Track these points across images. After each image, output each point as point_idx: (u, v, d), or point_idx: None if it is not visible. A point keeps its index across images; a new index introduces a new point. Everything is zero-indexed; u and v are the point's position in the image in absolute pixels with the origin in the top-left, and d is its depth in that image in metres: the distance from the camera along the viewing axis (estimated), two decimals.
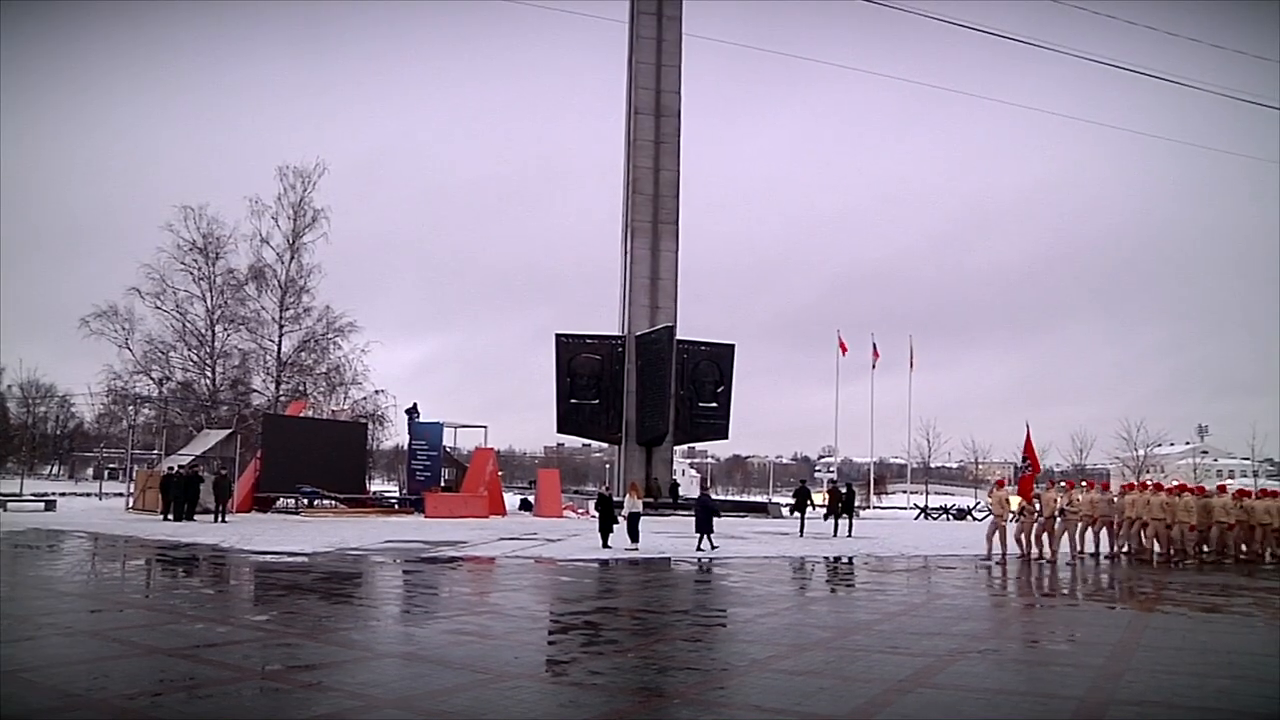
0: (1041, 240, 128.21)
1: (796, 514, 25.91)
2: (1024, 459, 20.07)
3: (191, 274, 38.83)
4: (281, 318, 39.72)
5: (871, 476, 48.39)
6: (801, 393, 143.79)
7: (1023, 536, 17.49)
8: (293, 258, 39.92)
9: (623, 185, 42.18)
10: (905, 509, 36.72)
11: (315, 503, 28.97)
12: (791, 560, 17.02)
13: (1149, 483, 19.93)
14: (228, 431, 30.47)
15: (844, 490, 25.75)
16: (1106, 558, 17.84)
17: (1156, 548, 17.73)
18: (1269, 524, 17.86)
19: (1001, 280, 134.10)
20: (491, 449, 34.37)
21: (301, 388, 40.27)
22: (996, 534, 17.44)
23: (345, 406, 39.38)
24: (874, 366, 44.11)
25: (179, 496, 23.28)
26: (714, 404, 40.42)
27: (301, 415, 33.19)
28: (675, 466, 46.52)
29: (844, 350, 41.39)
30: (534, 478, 43.28)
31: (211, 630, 8.41)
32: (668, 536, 22.07)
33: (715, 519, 18.82)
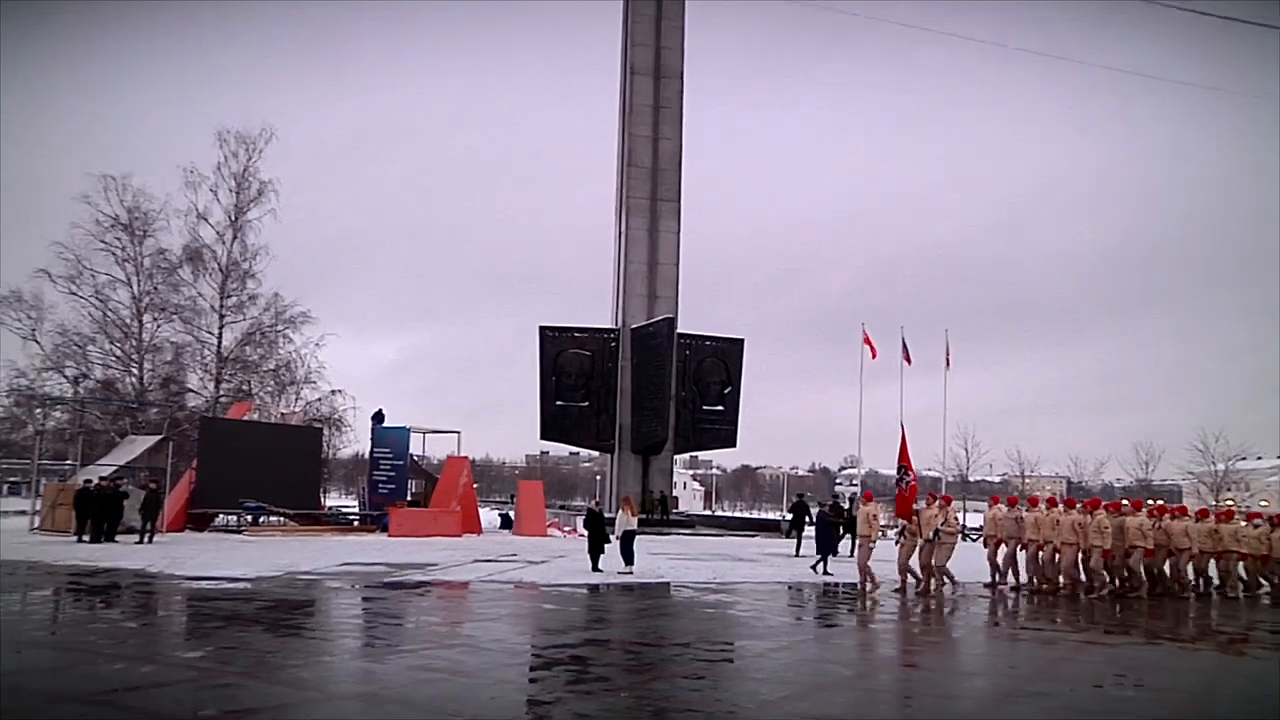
0: (1109, 226, 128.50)
1: (794, 532, 25.94)
2: (900, 468, 19.45)
3: (114, 255, 37.99)
4: (222, 306, 39.25)
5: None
6: (821, 396, 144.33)
7: (909, 562, 16.86)
8: (235, 237, 39.39)
9: (617, 157, 42.13)
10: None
11: (261, 520, 28.79)
12: (809, 587, 16.97)
13: (1058, 499, 19.06)
14: (158, 438, 30.20)
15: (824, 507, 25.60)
16: (986, 585, 17.19)
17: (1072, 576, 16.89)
18: (1186, 548, 17.23)
19: (1056, 271, 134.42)
20: (465, 458, 34.28)
21: (245, 387, 39.99)
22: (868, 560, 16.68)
23: (296, 409, 39.18)
24: (908, 362, 43.85)
25: (98, 514, 22.99)
26: (720, 407, 40.38)
27: (245, 419, 33.03)
28: (676, 478, 46.50)
29: (873, 353, 41.16)
30: (514, 491, 43.23)
31: (133, 671, 8.26)
32: (667, 558, 22.04)
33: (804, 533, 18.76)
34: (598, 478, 67.82)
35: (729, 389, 40.53)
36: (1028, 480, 78.56)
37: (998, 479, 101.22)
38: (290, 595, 14.27)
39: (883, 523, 18.21)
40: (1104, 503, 18.95)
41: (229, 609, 12.46)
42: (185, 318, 39.03)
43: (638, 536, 19.18)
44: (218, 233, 39.34)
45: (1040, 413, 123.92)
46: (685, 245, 40.87)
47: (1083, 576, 16.84)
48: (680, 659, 9.85)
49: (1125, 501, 19.15)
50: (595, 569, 18.22)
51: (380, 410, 33.58)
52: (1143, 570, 17.05)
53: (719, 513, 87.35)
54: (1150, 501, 21.62)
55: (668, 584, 17.10)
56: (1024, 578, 17.51)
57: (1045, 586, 17.12)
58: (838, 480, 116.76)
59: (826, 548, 19.04)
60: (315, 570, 17.35)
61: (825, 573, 17.92)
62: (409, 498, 32.05)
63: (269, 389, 40.68)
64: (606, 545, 18.69)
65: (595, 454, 79.15)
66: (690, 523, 41.32)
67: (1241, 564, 18.11)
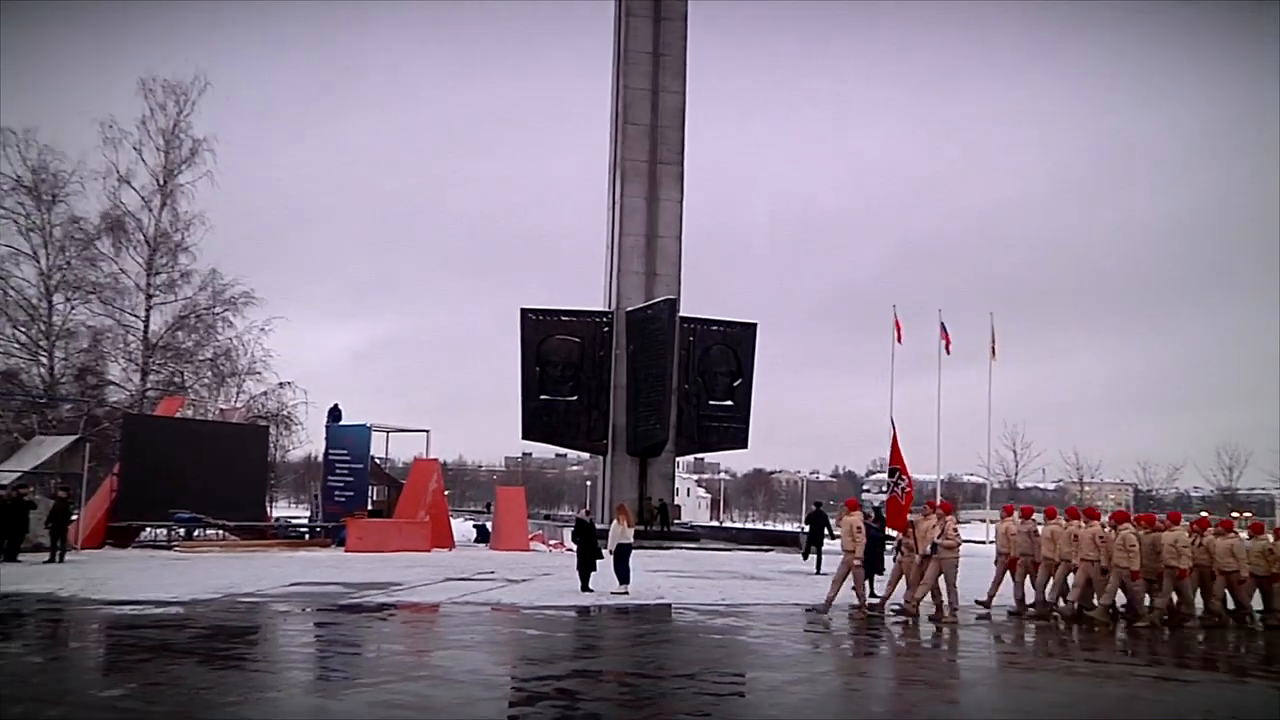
0: (1186, 192, 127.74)
1: (813, 548, 25.86)
2: (893, 471, 19.21)
3: (16, 223, 37.64)
4: (149, 284, 39.06)
5: (937, 498, 48.16)
6: (847, 390, 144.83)
7: (907, 580, 16.70)
8: (164, 204, 39.17)
9: (610, 114, 41.97)
10: (983, 542, 36.68)
11: (195, 534, 28.72)
12: (837, 609, 16.91)
13: (1079, 509, 18.61)
14: (72, 438, 30.02)
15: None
16: (1012, 613, 17.03)
17: (1103, 600, 16.47)
18: (1233, 571, 16.65)
19: (1124, 245, 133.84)
20: (435, 460, 34.25)
21: (177, 379, 39.93)
22: (849, 576, 16.52)
23: (238, 404, 39.06)
24: (947, 350, 43.82)
25: None
26: (729, 402, 40.38)
27: (177, 416, 32.92)
28: (678, 484, 46.53)
29: (899, 336, 41.19)
30: (491, 499, 43.24)
31: (38, 714, 8.20)
32: (668, 576, 22.06)
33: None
34: (588, 483, 67.95)
35: (739, 381, 40.49)
36: (1087, 488, 78.39)
37: (1052, 486, 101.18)
38: (230, 621, 14.21)
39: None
40: (1133, 515, 18.79)
41: (156, 638, 12.37)
42: (105, 298, 38.66)
43: (634, 551, 19.11)
44: (143, 199, 39.08)
45: (1103, 410, 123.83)
46: (689, 216, 40.96)
47: (1119, 600, 16.67)
48: (683, 693, 9.82)
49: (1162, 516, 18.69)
50: (585, 589, 18.20)
51: (336, 406, 33.55)
52: (1189, 594, 16.72)
53: (728, 524, 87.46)
54: (1235, 515, 21.29)
55: (669, 606, 17.11)
56: (1030, 598, 17.31)
57: (1058, 611, 16.86)
58: (865, 487, 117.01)
59: (873, 565, 18.88)
60: (259, 592, 17.31)
61: (872, 594, 17.87)
62: (369, 507, 32.02)
63: (205, 381, 40.60)
64: (598, 561, 18.64)
65: (585, 456, 79.37)
66: (694, 535, 41.37)
67: None
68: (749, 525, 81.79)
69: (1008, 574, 17.76)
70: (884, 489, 20.72)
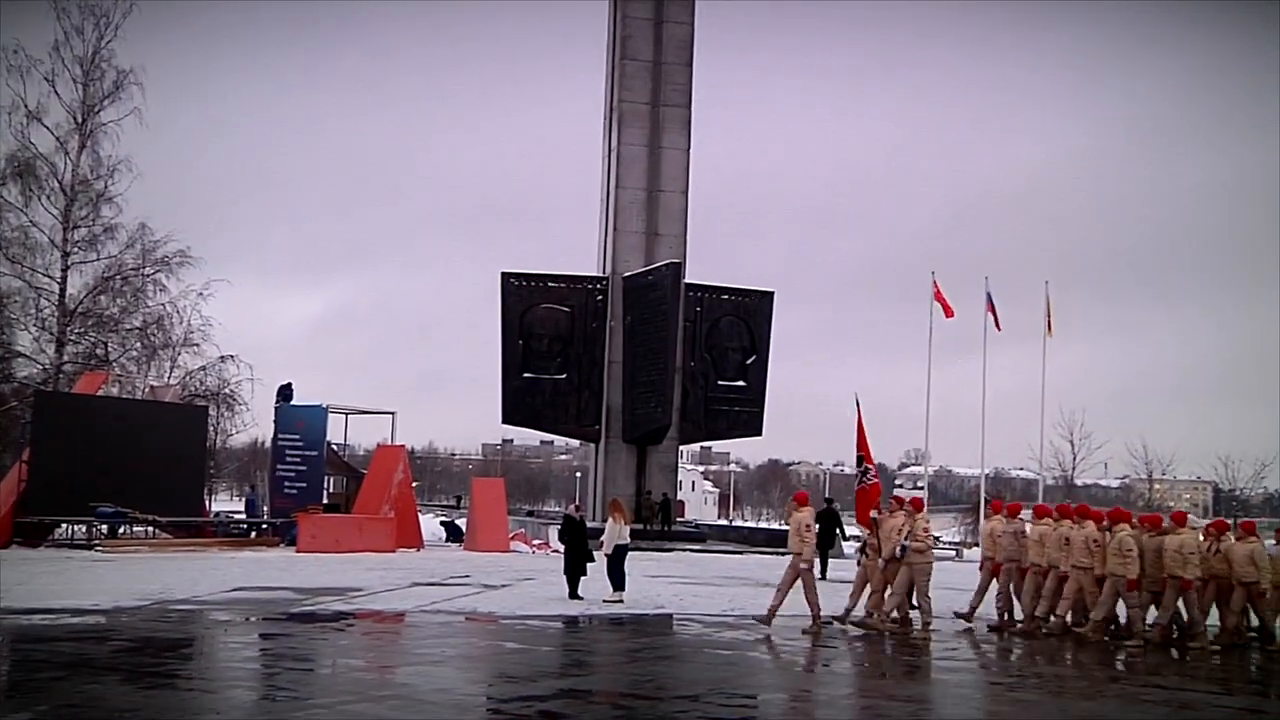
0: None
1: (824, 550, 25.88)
2: (858, 459, 19.13)
3: None
4: (67, 240, 38.75)
5: (981, 495, 48.37)
6: (878, 371, 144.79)
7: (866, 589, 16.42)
8: (83, 146, 38.78)
9: (606, 48, 41.71)
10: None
11: (121, 531, 28.68)
12: (854, 618, 16.93)
13: (1072, 507, 18.34)
14: None
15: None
16: (993, 628, 16.79)
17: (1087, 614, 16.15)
18: (1254, 583, 16.01)
19: (1205, 208, 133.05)
20: (401, 447, 34.25)
21: (100, 351, 39.80)
22: (797, 581, 16.31)
23: (172, 381, 39.03)
24: (997, 327, 43.60)
25: None
26: (741, 383, 40.40)
27: (99, 394, 32.89)
28: (682, 477, 46.60)
29: (947, 311, 40.74)
30: (466, 491, 43.34)
31: None
32: (669, 582, 22.14)
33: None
34: (578, 475, 68.20)
35: (753, 358, 40.49)
36: (1157, 486, 78.29)
37: (1115, 483, 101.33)
38: (160, 632, 14.17)
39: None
40: (1136, 516, 18.28)
41: (72, 652, 12.31)
42: (12, 255, 38.28)
43: (631, 553, 19.14)
44: (58, 139, 38.57)
45: (1178, 397, 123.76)
46: (697, 169, 40.68)
47: (1122, 616, 16.46)
48: (685, 717, 9.81)
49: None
50: (574, 596, 18.22)
51: (288, 384, 33.54)
52: (1195, 609, 16.41)
53: (738, 523, 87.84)
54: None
55: (670, 617, 17.16)
56: (1019, 613, 17.08)
57: (1048, 626, 16.48)
58: (897, 481, 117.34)
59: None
60: (196, 598, 17.30)
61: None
62: (325, 500, 32.07)
63: (133, 354, 40.44)
64: (589, 565, 18.65)
65: (575, 443, 79.56)
66: (700, 535, 41.55)
67: None
68: (762, 524, 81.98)
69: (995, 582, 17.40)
70: (859, 482, 20.64)
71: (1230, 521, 19.13)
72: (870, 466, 18.48)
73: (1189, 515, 17.55)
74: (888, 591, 16.17)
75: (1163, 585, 15.96)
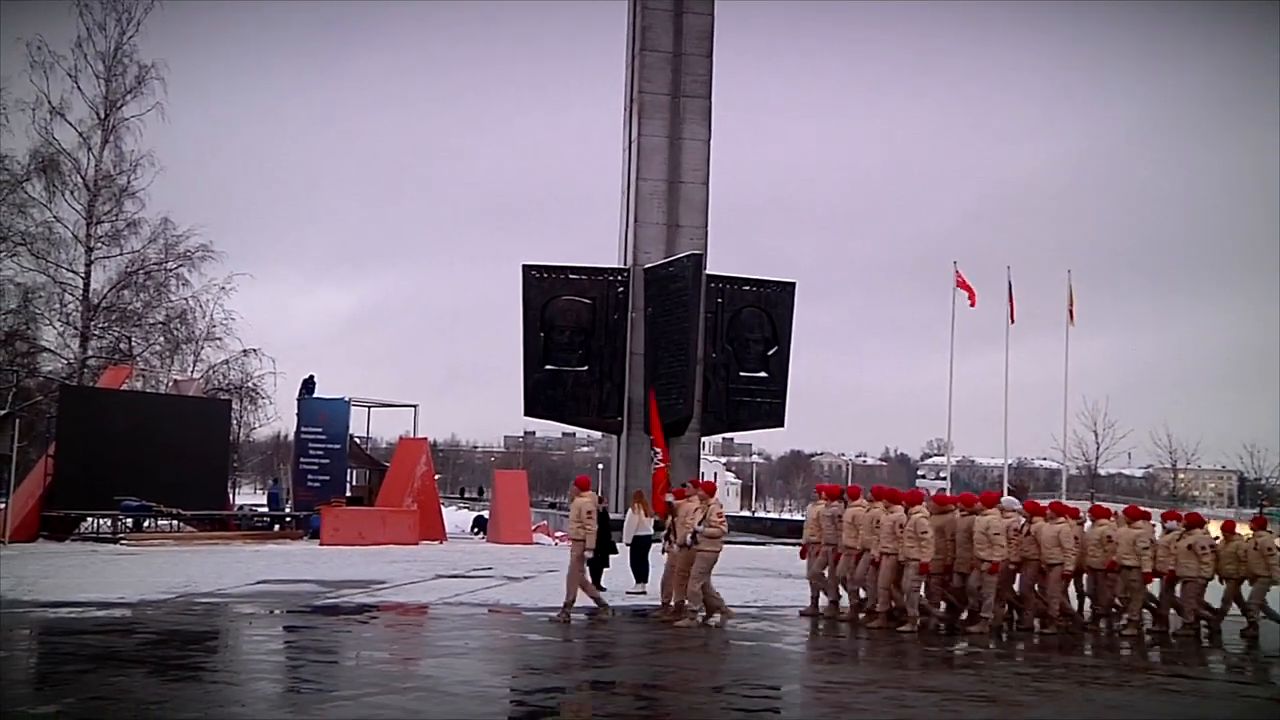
0: None
1: None
2: (651, 443, 18.53)
3: None
4: (90, 235, 39.01)
5: (1005, 486, 48.15)
6: (901, 361, 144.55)
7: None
8: (106, 141, 39.01)
9: (626, 39, 41.61)
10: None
11: (146, 524, 28.88)
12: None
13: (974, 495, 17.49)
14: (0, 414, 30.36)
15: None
16: (802, 613, 16.53)
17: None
18: (1059, 564, 15.81)
19: (1230, 196, 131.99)
20: (424, 439, 34.43)
21: (124, 345, 40.03)
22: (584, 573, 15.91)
23: (195, 375, 39.19)
24: (1012, 319, 43.43)
25: None
26: (763, 374, 40.23)
27: (123, 388, 33.08)
28: (704, 468, 46.51)
29: (971, 299, 40.50)
30: (489, 484, 43.42)
31: None
32: None
33: None
34: (599, 467, 68.08)
35: (775, 350, 40.33)
36: (1182, 475, 77.67)
37: (1139, 472, 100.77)
38: (185, 625, 14.26)
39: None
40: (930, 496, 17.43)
41: (99, 645, 12.39)
42: (37, 250, 38.59)
43: (654, 544, 19.06)
44: (81, 135, 38.78)
45: (1203, 386, 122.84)
46: (718, 160, 40.43)
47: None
48: (709, 708, 9.84)
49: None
50: (596, 587, 18.06)
51: (311, 377, 33.65)
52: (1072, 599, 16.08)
53: (761, 514, 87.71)
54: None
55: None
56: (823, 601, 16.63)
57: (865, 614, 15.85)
58: (920, 472, 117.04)
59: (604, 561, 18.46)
60: (220, 591, 17.40)
61: (601, 588, 17.58)
62: (348, 493, 32.20)
63: (156, 348, 40.68)
64: (612, 556, 18.64)
65: (596, 435, 79.45)
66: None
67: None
68: (785, 516, 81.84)
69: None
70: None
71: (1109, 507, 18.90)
72: (659, 450, 18.19)
73: (1002, 497, 17.03)
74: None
75: (971, 567, 15.67)
